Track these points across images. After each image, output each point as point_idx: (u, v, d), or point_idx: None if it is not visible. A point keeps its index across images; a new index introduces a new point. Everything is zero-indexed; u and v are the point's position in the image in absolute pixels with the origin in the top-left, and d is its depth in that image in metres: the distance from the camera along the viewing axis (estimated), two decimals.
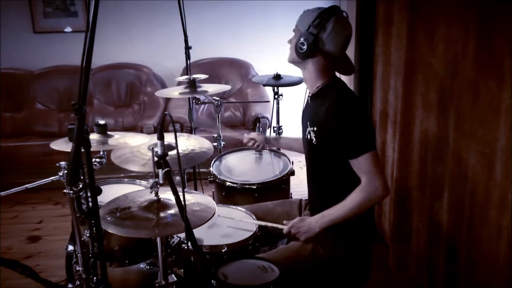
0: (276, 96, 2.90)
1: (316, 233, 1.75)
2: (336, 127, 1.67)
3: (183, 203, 1.31)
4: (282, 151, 2.62)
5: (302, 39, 1.70)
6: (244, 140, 2.39)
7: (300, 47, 1.71)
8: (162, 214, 1.48)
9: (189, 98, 2.82)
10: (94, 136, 1.80)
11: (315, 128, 1.73)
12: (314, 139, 1.74)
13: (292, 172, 2.41)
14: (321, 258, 1.77)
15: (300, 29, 1.74)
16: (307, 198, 2.03)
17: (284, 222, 1.86)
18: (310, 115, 1.80)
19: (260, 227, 1.92)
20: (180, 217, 1.33)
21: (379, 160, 1.70)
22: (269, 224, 1.92)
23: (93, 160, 1.85)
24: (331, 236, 1.78)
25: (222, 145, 2.84)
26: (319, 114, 1.72)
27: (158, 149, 1.37)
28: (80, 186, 1.26)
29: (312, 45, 1.69)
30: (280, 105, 2.94)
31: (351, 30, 1.75)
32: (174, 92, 2.54)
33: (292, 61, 1.82)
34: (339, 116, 1.67)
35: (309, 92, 1.84)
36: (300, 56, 1.74)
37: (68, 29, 4.39)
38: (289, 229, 1.81)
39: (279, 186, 2.33)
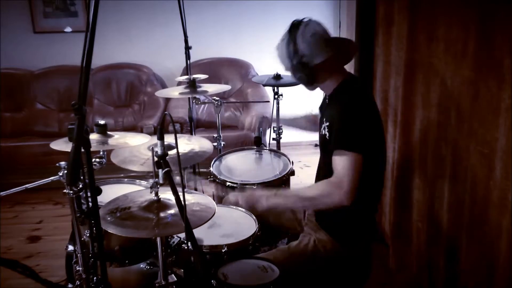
0: (276, 96, 2.90)
1: (263, 208, 1.72)
2: (337, 118, 1.68)
3: (183, 203, 1.31)
4: (282, 151, 2.61)
5: (296, 75, 1.72)
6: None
7: (302, 81, 1.74)
8: (162, 214, 1.48)
9: (189, 98, 2.82)
10: (94, 136, 1.80)
11: (328, 123, 1.74)
12: (327, 134, 1.74)
13: (292, 172, 2.41)
14: (321, 258, 1.77)
15: (288, 68, 1.74)
16: None
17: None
18: (327, 113, 1.80)
19: (260, 227, 1.91)
20: (180, 217, 1.33)
21: (360, 169, 1.59)
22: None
23: (93, 160, 1.85)
24: (332, 236, 1.78)
25: (222, 145, 2.85)
26: (332, 111, 1.74)
27: (158, 149, 1.37)
28: (80, 186, 1.26)
29: (307, 72, 1.70)
30: (280, 105, 2.93)
31: (320, 25, 1.72)
32: (174, 92, 2.54)
33: (312, 90, 1.84)
34: (343, 108, 1.68)
35: (327, 95, 1.85)
36: (310, 86, 1.77)
37: (68, 29, 4.39)
38: (235, 197, 1.80)
39: (279, 186, 2.33)
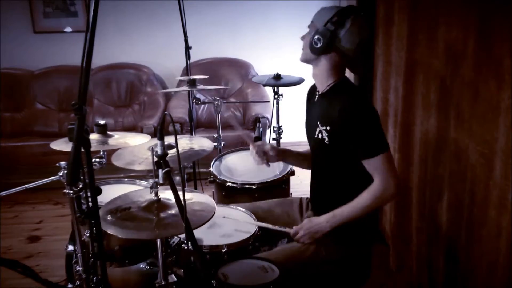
0: (276, 96, 2.90)
1: (326, 232, 1.75)
2: (351, 128, 1.65)
3: (183, 203, 1.31)
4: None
5: (318, 34, 1.68)
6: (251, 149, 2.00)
7: (315, 42, 1.69)
8: (162, 215, 1.48)
9: (189, 98, 2.82)
10: (94, 136, 1.80)
11: (327, 128, 1.71)
12: (326, 139, 1.72)
13: (292, 172, 2.41)
14: (321, 258, 1.77)
15: (316, 25, 1.70)
16: (307, 197, 2.03)
17: (294, 227, 1.83)
18: (319, 114, 1.77)
19: (263, 227, 1.91)
20: (180, 217, 1.33)
21: (392, 160, 1.70)
22: (275, 227, 1.90)
23: (93, 160, 1.85)
24: (333, 237, 1.78)
25: (222, 145, 2.85)
26: (331, 114, 1.70)
27: (158, 149, 1.37)
28: (80, 186, 1.26)
29: (328, 40, 1.67)
30: (280, 105, 2.94)
31: (368, 33, 1.73)
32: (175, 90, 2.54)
33: (305, 59, 1.79)
34: (354, 116, 1.65)
35: (318, 91, 1.82)
36: (315, 51, 1.71)
37: (68, 29, 4.39)
38: (296, 231, 1.81)
39: (279, 186, 2.34)
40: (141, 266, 1.93)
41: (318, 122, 1.75)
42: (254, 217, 1.98)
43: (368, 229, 1.84)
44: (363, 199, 1.70)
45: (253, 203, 2.11)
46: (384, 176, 1.66)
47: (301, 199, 2.09)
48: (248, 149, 2.64)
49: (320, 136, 1.74)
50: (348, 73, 1.83)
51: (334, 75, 1.75)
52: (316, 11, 1.74)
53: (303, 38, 1.78)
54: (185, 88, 2.54)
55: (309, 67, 1.80)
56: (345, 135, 1.67)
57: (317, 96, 1.84)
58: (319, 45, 1.68)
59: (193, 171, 2.92)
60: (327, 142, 1.72)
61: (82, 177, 1.22)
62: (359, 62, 1.80)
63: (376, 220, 1.91)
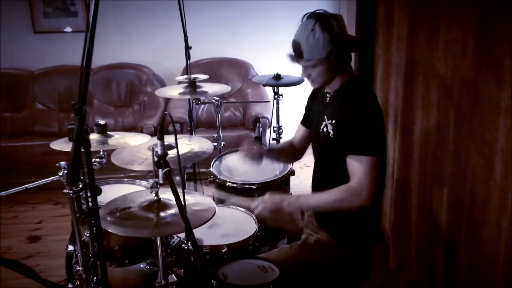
0: (276, 96, 2.90)
1: (285, 213, 1.75)
2: (352, 121, 1.65)
3: (183, 203, 1.31)
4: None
5: (338, 58, 1.65)
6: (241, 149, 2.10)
7: (341, 64, 1.69)
8: (162, 214, 1.48)
9: (189, 98, 2.82)
10: (94, 136, 1.80)
11: (333, 121, 1.71)
12: (331, 132, 1.72)
13: (292, 172, 2.41)
14: (322, 258, 1.77)
15: (323, 56, 1.65)
16: None
17: (255, 200, 1.85)
18: (329, 110, 1.77)
19: (260, 227, 1.91)
20: (180, 217, 1.33)
21: (377, 171, 1.63)
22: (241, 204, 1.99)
23: (93, 160, 1.85)
24: (332, 237, 1.78)
25: (222, 145, 2.85)
26: (338, 108, 1.71)
27: (158, 149, 1.37)
28: (80, 186, 1.26)
29: (346, 54, 1.69)
30: (280, 105, 2.94)
31: (340, 14, 1.73)
32: (174, 92, 2.54)
33: (323, 85, 1.78)
34: (357, 110, 1.66)
35: (330, 91, 1.80)
36: (343, 70, 1.71)
37: (68, 29, 4.39)
38: (256, 204, 1.79)
39: (279, 186, 2.33)
40: (141, 266, 1.93)
41: (325, 117, 1.76)
42: (254, 217, 1.98)
43: (368, 229, 1.84)
44: (332, 194, 1.68)
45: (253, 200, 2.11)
46: (361, 180, 1.61)
47: None
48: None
49: (325, 129, 1.74)
50: None
51: (342, 76, 1.75)
52: (316, 11, 1.71)
53: (307, 75, 1.75)
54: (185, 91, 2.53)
55: None
56: (346, 129, 1.67)
57: (326, 96, 1.83)
58: (344, 63, 1.70)
59: (193, 171, 2.92)
60: (332, 136, 1.72)
61: (82, 177, 1.22)
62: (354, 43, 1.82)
63: (377, 220, 1.90)
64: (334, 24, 1.64)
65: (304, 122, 2.03)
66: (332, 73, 1.71)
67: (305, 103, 2.01)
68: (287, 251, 1.81)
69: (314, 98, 1.94)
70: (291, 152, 2.09)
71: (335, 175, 1.76)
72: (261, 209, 1.78)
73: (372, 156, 1.61)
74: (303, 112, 2.03)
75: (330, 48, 1.63)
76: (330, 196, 1.68)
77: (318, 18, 1.64)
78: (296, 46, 1.68)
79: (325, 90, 1.83)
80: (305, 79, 1.80)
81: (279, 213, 1.76)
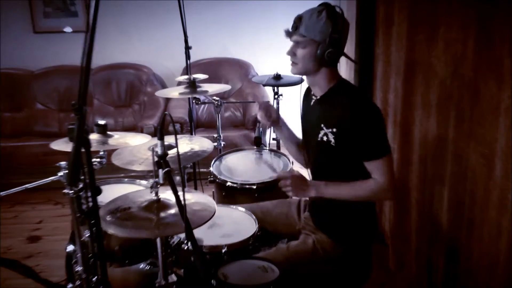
0: (276, 96, 2.90)
1: (309, 195, 1.76)
2: (361, 128, 1.63)
3: (183, 203, 1.31)
4: (282, 151, 2.61)
5: (330, 47, 1.63)
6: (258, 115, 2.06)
7: (328, 55, 1.65)
8: (162, 214, 1.48)
9: (189, 98, 2.82)
10: (94, 136, 1.80)
11: (334, 130, 1.68)
12: (332, 141, 1.69)
13: None
14: (321, 258, 1.77)
15: (316, 38, 1.64)
16: (305, 198, 2.03)
17: (284, 172, 1.85)
18: (321, 117, 1.74)
19: (260, 227, 1.91)
20: (180, 217, 1.33)
21: (393, 165, 1.72)
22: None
23: (93, 160, 1.85)
24: (332, 237, 1.78)
25: (222, 145, 2.85)
26: (339, 115, 1.67)
27: (158, 149, 1.37)
28: (80, 186, 1.26)
29: (339, 50, 1.67)
30: (280, 105, 2.94)
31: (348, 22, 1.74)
32: (174, 92, 2.54)
33: (304, 71, 1.74)
34: (365, 117, 1.64)
35: (315, 95, 1.80)
36: (326, 63, 1.68)
37: (68, 29, 4.39)
38: (285, 177, 1.74)
39: (279, 186, 2.33)
40: (141, 266, 1.93)
41: (322, 125, 1.72)
42: (254, 217, 1.98)
43: (366, 229, 1.84)
44: (361, 187, 1.69)
45: (251, 205, 2.11)
46: (385, 177, 1.66)
47: (299, 200, 2.08)
48: (248, 149, 2.66)
49: (325, 138, 1.71)
50: (348, 73, 1.83)
51: (334, 78, 1.74)
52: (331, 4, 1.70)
53: (290, 53, 1.73)
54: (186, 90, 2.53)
55: None
56: (353, 136, 1.65)
57: (313, 100, 1.81)
58: (332, 57, 1.66)
59: (193, 171, 2.92)
60: (333, 144, 1.69)
61: (82, 177, 1.22)
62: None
63: (376, 220, 1.90)
64: (341, 22, 1.65)
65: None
66: (315, 62, 1.68)
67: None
68: (286, 251, 1.81)
69: (305, 104, 1.92)
70: (297, 148, 2.07)
71: (333, 176, 1.77)
72: (288, 187, 1.74)
73: (387, 154, 1.67)
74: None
75: (326, 35, 1.63)
76: (362, 189, 1.70)
77: (330, 7, 1.66)
78: (297, 18, 1.69)
79: (312, 93, 1.82)
80: (289, 59, 1.76)
81: (303, 195, 1.77)
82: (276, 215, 2.03)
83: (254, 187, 2.24)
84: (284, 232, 2.03)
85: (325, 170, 1.82)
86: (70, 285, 1.97)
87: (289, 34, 1.72)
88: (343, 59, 1.76)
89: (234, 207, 2.09)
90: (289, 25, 1.74)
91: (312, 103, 1.83)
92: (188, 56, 2.71)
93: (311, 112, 1.84)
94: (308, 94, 1.91)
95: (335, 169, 1.76)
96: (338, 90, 1.73)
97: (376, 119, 1.66)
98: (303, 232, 1.90)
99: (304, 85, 1.97)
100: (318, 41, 1.65)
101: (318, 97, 1.78)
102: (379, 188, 1.67)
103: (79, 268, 1.44)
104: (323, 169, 1.83)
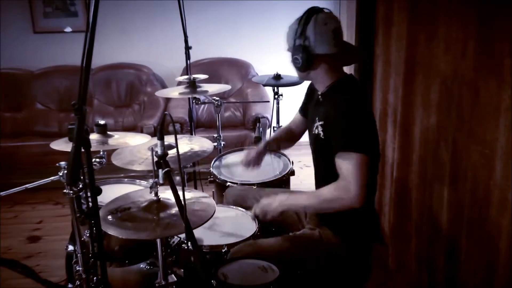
0: (276, 96, 2.90)
1: (275, 211, 1.78)
2: (338, 120, 1.65)
3: (183, 203, 1.31)
4: (282, 151, 2.62)
5: (294, 54, 1.70)
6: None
7: (295, 62, 1.70)
8: (162, 215, 1.48)
9: (189, 98, 2.82)
10: (94, 136, 1.80)
11: (322, 122, 1.72)
12: (321, 133, 1.72)
13: (292, 172, 2.41)
14: (325, 248, 1.77)
15: (288, 47, 1.74)
16: None
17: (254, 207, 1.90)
18: (319, 111, 1.79)
19: (260, 227, 1.91)
20: (180, 218, 1.33)
21: (367, 170, 1.57)
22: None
23: (93, 160, 1.85)
24: (336, 232, 1.78)
25: (222, 145, 2.85)
26: (327, 109, 1.72)
27: (158, 149, 1.37)
28: (80, 186, 1.26)
29: (305, 55, 1.67)
30: (280, 105, 2.94)
31: (337, 22, 1.71)
32: (174, 92, 2.54)
33: (301, 79, 1.83)
34: (342, 109, 1.66)
35: (319, 92, 1.82)
36: (302, 69, 1.72)
37: (68, 29, 4.39)
38: (255, 210, 1.86)
39: (279, 186, 2.33)
40: (141, 266, 1.93)
41: (316, 118, 1.77)
42: (254, 217, 1.98)
43: (368, 229, 1.84)
44: (318, 194, 1.69)
45: (257, 190, 2.15)
46: (346, 179, 1.57)
47: None
48: (248, 149, 2.66)
49: (316, 131, 1.76)
50: (348, 73, 1.83)
51: (332, 77, 1.76)
52: (314, 7, 1.73)
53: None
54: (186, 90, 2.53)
55: None
56: (332, 127, 1.67)
57: (318, 96, 1.84)
58: (300, 63, 1.69)
59: (193, 171, 2.92)
60: (323, 137, 1.73)
61: (82, 177, 1.22)
62: (350, 51, 1.81)
63: (377, 220, 1.90)
64: (310, 24, 1.65)
65: (302, 111, 2.08)
66: (297, 70, 1.74)
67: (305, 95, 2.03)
68: (291, 238, 1.82)
69: (311, 97, 1.95)
70: (289, 138, 2.20)
71: (332, 178, 1.77)
72: (259, 213, 1.84)
73: (360, 153, 1.58)
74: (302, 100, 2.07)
75: (292, 42, 1.69)
76: (319, 198, 1.68)
77: (310, 11, 1.68)
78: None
79: (317, 91, 1.85)
80: None
81: (272, 215, 1.80)
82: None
83: (254, 187, 2.24)
84: (288, 222, 2.01)
85: (321, 163, 1.85)
86: (70, 285, 1.98)
87: None
88: None
89: (234, 207, 2.09)
90: (288, 25, 1.76)
91: (316, 98, 1.86)
92: (188, 56, 2.71)
93: (313, 107, 1.88)
94: (313, 88, 1.93)
95: (328, 163, 1.74)
96: (336, 87, 1.76)
97: (356, 115, 1.65)
98: (307, 227, 1.90)
99: (305, 85, 1.98)
100: (289, 49, 1.73)
101: (320, 94, 1.82)
102: (338, 187, 1.60)
103: (79, 268, 1.44)
104: (319, 162, 1.87)
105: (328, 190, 1.65)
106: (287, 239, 1.82)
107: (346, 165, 1.58)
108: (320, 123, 1.73)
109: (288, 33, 1.74)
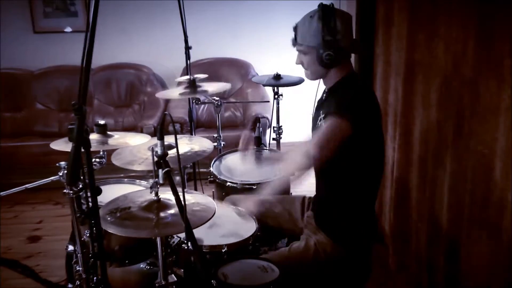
0: (276, 96, 2.90)
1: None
2: (335, 103, 1.67)
3: (183, 203, 1.31)
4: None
5: (326, 50, 1.65)
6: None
7: (326, 60, 1.67)
8: (162, 214, 1.48)
9: (189, 98, 2.82)
10: (94, 136, 1.80)
11: (324, 114, 1.73)
12: (323, 124, 1.72)
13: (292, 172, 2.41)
14: (321, 260, 1.77)
15: (311, 45, 1.69)
16: (310, 196, 2.02)
17: None
18: (324, 105, 1.79)
19: (260, 227, 1.91)
20: (180, 217, 1.33)
21: (340, 135, 1.56)
22: None
23: (93, 160, 1.85)
24: (332, 239, 1.78)
25: (222, 145, 2.84)
26: (332, 102, 1.72)
27: (158, 149, 1.37)
28: (80, 186, 1.26)
29: (337, 50, 1.66)
30: (280, 105, 2.93)
31: (347, 14, 1.73)
32: (174, 92, 2.54)
33: (317, 76, 1.79)
34: (343, 97, 1.68)
35: (327, 87, 1.82)
36: (330, 66, 1.71)
37: (68, 29, 4.39)
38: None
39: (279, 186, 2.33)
40: (141, 266, 1.93)
41: (321, 111, 1.78)
42: (254, 217, 1.98)
43: (366, 228, 1.84)
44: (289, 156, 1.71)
45: (254, 197, 2.11)
46: (316, 139, 1.60)
47: (304, 197, 2.07)
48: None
49: (319, 123, 1.76)
50: None
51: (342, 72, 1.76)
52: (326, 3, 1.72)
53: (300, 63, 1.78)
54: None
55: None
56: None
57: (323, 94, 1.86)
58: (333, 58, 1.67)
59: (193, 171, 2.92)
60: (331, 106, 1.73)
61: (82, 177, 1.22)
62: (355, 44, 1.81)
63: (375, 220, 1.90)
64: (335, 19, 1.65)
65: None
66: (319, 66, 1.71)
67: (306, 104, 2.02)
68: (287, 253, 1.80)
69: (319, 102, 1.95)
70: None
71: (333, 174, 1.76)
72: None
73: (342, 118, 1.58)
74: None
75: (320, 39, 1.66)
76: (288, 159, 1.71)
77: (322, 8, 1.67)
78: (294, 28, 1.74)
79: (324, 88, 1.85)
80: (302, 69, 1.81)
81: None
82: (279, 212, 2.04)
83: (254, 187, 2.24)
84: (285, 228, 2.03)
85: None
86: (70, 285, 1.98)
87: (293, 44, 1.78)
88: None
89: (234, 207, 2.09)
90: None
91: (323, 96, 1.87)
92: (188, 56, 2.71)
93: (322, 102, 1.87)
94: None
95: (332, 164, 1.74)
96: (343, 83, 1.75)
97: (355, 98, 1.67)
98: (304, 232, 1.90)
99: (304, 85, 1.98)
100: (314, 46, 1.68)
101: (327, 90, 1.83)
102: (308, 144, 1.61)
103: (79, 268, 1.44)
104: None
105: (297, 156, 1.66)
106: (283, 255, 1.80)
107: (323, 126, 1.61)
108: (323, 115, 1.74)
109: (305, 31, 1.69)
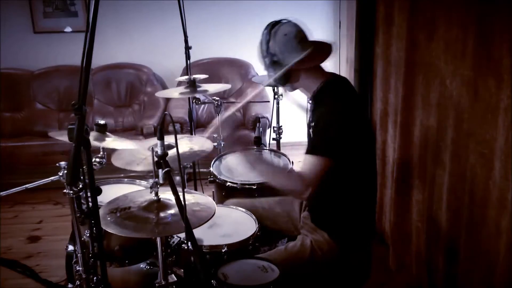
0: (276, 96, 2.90)
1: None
2: (320, 122, 1.68)
3: (183, 203, 1.31)
4: (282, 151, 2.62)
5: (269, 74, 1.75)
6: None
7: (274, 80, 1.76)
8: (162, 214, 1.48)
9: (189, 98, 2.82)
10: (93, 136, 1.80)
11: (313, 124, 1.74)
12: (312, 135, 1.74)
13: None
14: (318, 259, 1.77)
15: (264, 67, 1.79)
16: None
17: None
18: (313, 114, 1.79)
19: (260, 224, 1.92)
20: (180, 217, 1.33)
21: (323, 171, 1.61)
22: None
23: (93, 160, 1.85)
24: (329, 234, 1.78)
25: (222, 145, 2.85)
26: (318, 113, 1.73)
27: (158, 149, 1.37)
28: (80, 186, 1.26)
29: (279, 71, 1.71)
30: (280, 105, 2.94)
31: (296, 26, 1.73)
32: (174, 92, 2.54)
33: (290, 91, 1.85)
34: (325, 112, 1.68)
35: (309, 97, 1.83)
36: (284, 84, 1.80)
37: (68, 29, 4.39)
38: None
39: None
40: (141, 266, 1.93)
41: (311, 120, 1.79)
42: (254, 217, 1.98)
43: (365, 229, 1.84)
44: (283, 177, 1.72)
45: (252, 200, 2.12)
46: (306, 173, 1.61)
47: None
48: (248, 149, 2.66)
49: (310, 131, 1.78)
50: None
51: (316, 81, 1.76)
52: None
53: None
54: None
55: None
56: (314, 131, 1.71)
57: (312, 103, 1.85)
58: (279, 79, 1.75)
59: (193, 171, 2.92)
60: (312, 137, 1.75)
61: (82, 177, 1.22)
62: (321, 49, 1.80)
63: (373, 221, 1.90)
64: (275, 36, 1.74)
65: None
66: (277, 83, 1.82)
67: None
68: (284, 253, 1.80)
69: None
70: None
71: (326, 179, 1.76)
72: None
73: (321, 156, 1.61)
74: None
75: (261, 56, 1.78)
76: (280, 178, 1.72)
77: (265, 28, 1.81)
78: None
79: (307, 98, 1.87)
80: None
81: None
82: (278, 213, 2.04)
83: (254, 187, 2.24)
84: (284, 230, 2.03)
85: None
86: (70, 285, 1.98)
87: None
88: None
89: (234, 207, 2.09)
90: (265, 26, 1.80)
91: (310, 103, 1.87)
92: (188, 56, 2.71)
93: (311, 111, 1.86)
94: None
95: None
96: (322, 90, 1.76)
97: (332, 121, 1.66)
98: (301, 232, 1.90)
99: None
100: (266, 68, 1.80)
101: (310, 99, 1.83)
102: (296, 179, 1.63)
103: (79, 268, 1.44)
104: None
105: (288, 177, 1.70)
106: (279, 254, 1.80)
107: (307, 164, 1.63)
108: (312, 124, 1.75)
109: (258, 55, 1.80)
